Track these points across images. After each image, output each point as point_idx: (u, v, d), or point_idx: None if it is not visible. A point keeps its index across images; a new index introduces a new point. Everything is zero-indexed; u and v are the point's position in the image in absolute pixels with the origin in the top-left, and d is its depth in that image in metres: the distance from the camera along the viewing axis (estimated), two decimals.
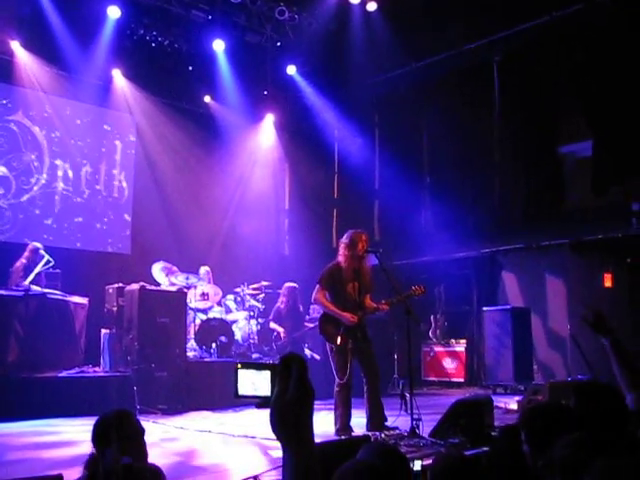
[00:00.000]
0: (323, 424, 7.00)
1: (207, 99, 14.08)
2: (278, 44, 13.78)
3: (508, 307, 11.62)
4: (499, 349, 11.31)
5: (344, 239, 7.11)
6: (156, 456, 4.51)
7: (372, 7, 12.96)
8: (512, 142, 12.40)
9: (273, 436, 1.51)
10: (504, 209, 12.41)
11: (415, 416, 6.36)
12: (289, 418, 1.48)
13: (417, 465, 3.58)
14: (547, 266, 11.93)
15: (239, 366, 1.62)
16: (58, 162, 12.30)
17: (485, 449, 5.28)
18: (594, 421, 2.87)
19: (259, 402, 1.57)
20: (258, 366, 1.60)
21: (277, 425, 1.50)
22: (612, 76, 10.91)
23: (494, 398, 7.20)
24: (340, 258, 7.07)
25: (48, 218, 12.02)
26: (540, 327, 11.76)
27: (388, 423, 6.88)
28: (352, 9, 13.18)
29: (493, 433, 5.89)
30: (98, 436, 2.96)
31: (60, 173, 12.31)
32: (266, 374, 1.57)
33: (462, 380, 12.47)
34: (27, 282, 9.36)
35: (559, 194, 12.22)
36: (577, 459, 2.26)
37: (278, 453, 1.42)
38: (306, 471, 1.48)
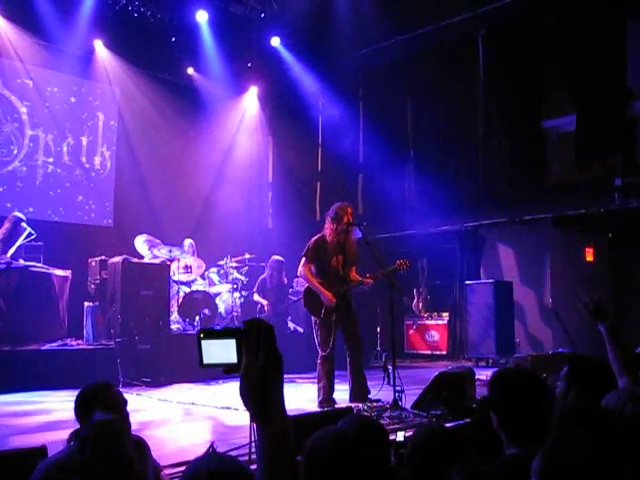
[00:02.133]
0: (306, 396, 7.05)
1: (190, 71, 13.93)
2: (262, 15, 13.67)
3: (491, 281, 11.68)
4: (482, 322, 11.38)
5: (330, 212, 7.12)
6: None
7: None
8: (496, 116, 12.39)
9: None
10: (488, 183, 12.43)
11: (398, 388, 6.41)
12: (260, 390, 1.46)
13: (400, 436, 3.61)
14: (530, 240, 11.99)
15: (202, 336, 1.57)
16: (39, 134, 12.17)
17: (467, 421, 5.36)
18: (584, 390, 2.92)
19: (226, 369, 1.54)
20: (222, 334, 1.56)
21: (248, 398, 1.48)
22: (596, 50, 10.90)
23: (476, 371, 7.26)
24: (325, 231, 7.09)
25: (30, 190, 11.92)
26: (523, 301, 11.84)
27: (371, 395, 6.94)
28: None
29: (474, 405, 5.96)
30: (81, 408, 2.96)
31: (41, 145, 12.19)
32: (231, 342, 1.53)
33: (444, 353, 12.58)
34: (9, 255, 9.29)
35: (542, 168, 12.25)
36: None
37: None
38: (279, 442, 1.46)
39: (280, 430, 1.47)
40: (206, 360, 1.57)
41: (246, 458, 4.35)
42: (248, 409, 1.49)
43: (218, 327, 1.59)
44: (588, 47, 10.98)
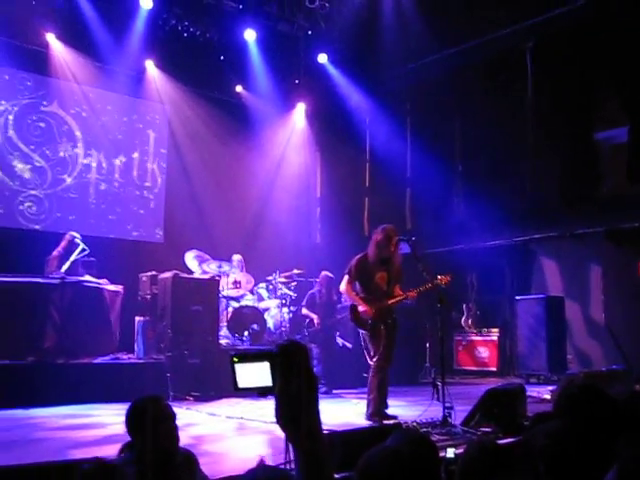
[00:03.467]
0: (354, 411, 7.02)
1: (239, 89, 14.12)
2: (309, 33, 13.77)
3: (542, 296, 11.51)
4: (533, 338, 11.21)
5: (377, 233, 7.14)
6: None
7: None
8: (546, 129, 12.23)
9: None
10: (538, 197, 12.26)
11: (447, 405, 6.35)
12: (295, 412, 1.45)
13: (450, 453, 3.56)
14: (582, 254, 11.79)
15: (235, 360, 1.57)
16: (92, 152, 12.44)
17: (518, 438, 5.26)
18: None
19: (261, 391, 1.54)
20: (255, 357, 1.56)
21: (283, 420, 1.48)
22: None
23: (527, 388, 7.15)
24: (369, 251, 7.14)
25: (83, 207, 12.18)
26: (575, 316, 11.64)
27: (419, 412, 6.89)
28: None
29: (526, 422, 5.86)
30: (131, 421, 3.00)
31: (94, 163, 12.46)
32: (265, 365, 1.53)
33: (495, 369, 12.41)
34: (63, 270, 9.51)
35: (594, 181, 12.03)
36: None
37: None
38: (315, 462, 1.45)
39: (316, 451, 1.46)
40: (241, 384, 1.58)
41: None
42: (283, 430, 1.48)
43: (250, 350, 1.59)
44: (639, 56, 10.79)
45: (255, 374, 1.54)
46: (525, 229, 12.39)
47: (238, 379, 1.57)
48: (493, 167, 13.06)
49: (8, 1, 10.70)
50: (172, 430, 3.01)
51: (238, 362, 1.57)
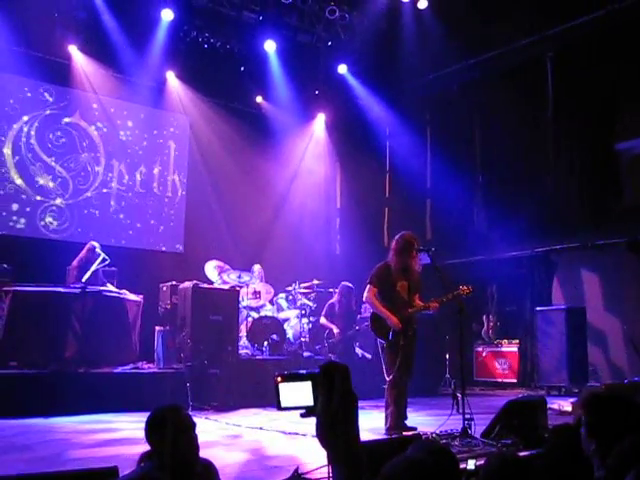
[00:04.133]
0: (373, 424, 6.98)
1: (259, 99, 14.22)
2: (329, 44, 13.83)
3: (562, 307, 11.41)
4: (553, 350, 11.11)
5: (397, 242, 7.11)
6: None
7: (423, 5, 12.90)
8: (567, 139, 12.17)
9: None
10: (559, 207, 12.19)
11: (467, 416, 6.30)
12: (336, 429, 1.49)
13: (471, 464, 3.54)
14: (603, 266, 11.69)
15: (279, 380, 1.62)
16: (114, 163, 12.56)
17: (539, 450, 5.21)
18: None
19: (303, 412, 1.58)
20: (299, 377, 1.61)
21: (324, 436, 1.51)
22: None
23: (548, 399, 7.08)
24: (390, 259, 7.10)
25: (104, 217, 12.28)
26: (596, 327, 11.53)
27: (438, 424, 6.84)
28: (403, 7, 13.15)
29: (546, 434, 5.80)
30: (151, 430, 3.01)
31: (116, 173, 12.57)
32: (307, 384, 1.58)
33: (515, 381, 12.30)
34: (84, 280, 9.57)
35: (615, 192, 11.93)
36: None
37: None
38: (355, 479, 1.48)
39: (355, 468, 1.49)
40: (284, 403, 1.62)
41: None
42: (323, 447, 1.52)
43: (296, 372, 1.63)
44: None
45: (298, 394, 1.60)
46: (546, 240, 12.31)
47: (282, 399, 1.62)
48: (514, 178, 13.02)
49: (30, 13, 10.83)
50: (192, 440, 3.01)
51: (282, 382, 1.62)
